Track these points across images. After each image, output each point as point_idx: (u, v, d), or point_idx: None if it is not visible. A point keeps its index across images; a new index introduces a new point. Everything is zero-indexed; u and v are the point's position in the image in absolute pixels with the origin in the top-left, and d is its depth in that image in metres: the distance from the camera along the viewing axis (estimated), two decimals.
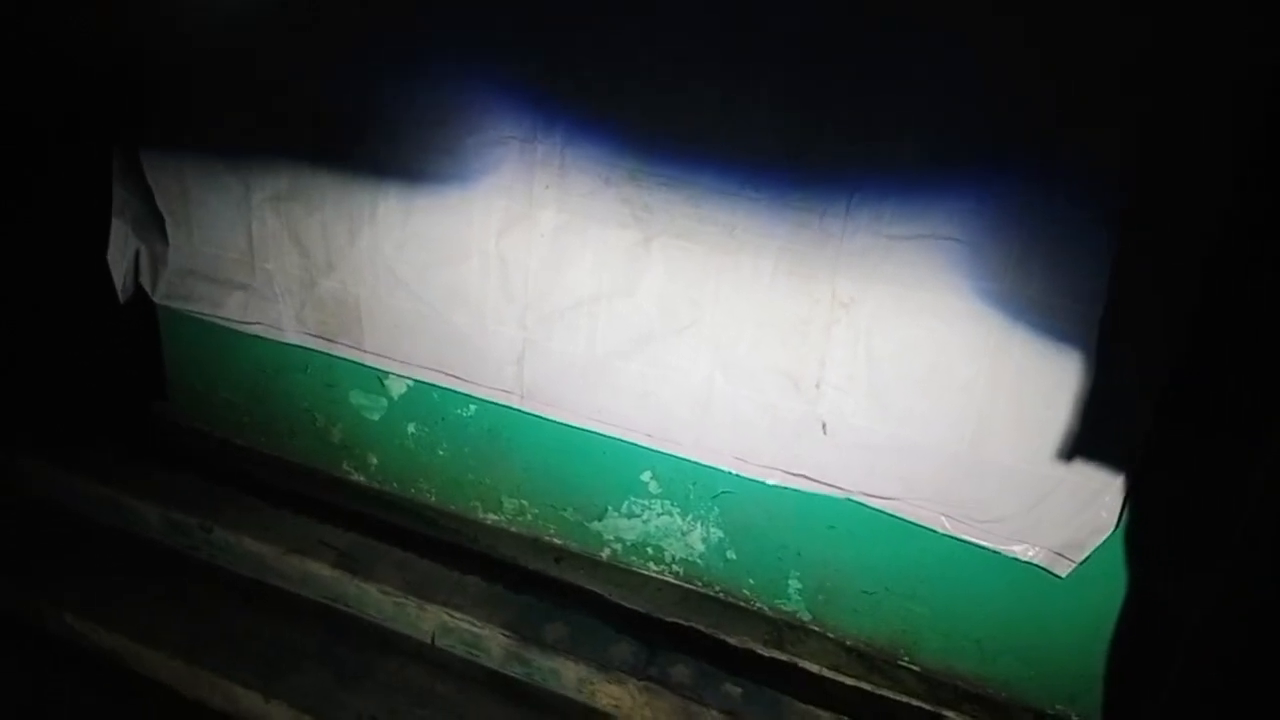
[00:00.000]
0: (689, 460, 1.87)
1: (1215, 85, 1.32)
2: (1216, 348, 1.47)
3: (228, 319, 2.08)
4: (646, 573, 2.05)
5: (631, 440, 1.89)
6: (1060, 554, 1.67)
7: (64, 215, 2.16)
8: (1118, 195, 1.41)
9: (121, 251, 2.07)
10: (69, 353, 2.28)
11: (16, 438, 2.25)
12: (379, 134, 1.78)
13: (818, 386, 1.68)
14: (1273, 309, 1.42)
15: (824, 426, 1.72)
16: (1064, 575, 1.67)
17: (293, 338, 2.04)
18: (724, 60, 1.55)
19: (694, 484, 1.92)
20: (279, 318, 2.03)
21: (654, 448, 1.88)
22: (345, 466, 2.21)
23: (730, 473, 1.85)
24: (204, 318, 2.11)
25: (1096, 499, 1.60)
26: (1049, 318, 1.51)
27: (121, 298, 2.11)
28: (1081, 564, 1.65)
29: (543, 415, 1.93)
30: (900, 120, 1.49)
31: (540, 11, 1.62)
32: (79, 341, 2.26)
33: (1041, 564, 1.68)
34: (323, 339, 2.02)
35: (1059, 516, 1.63)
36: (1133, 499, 1.58)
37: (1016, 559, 1.69)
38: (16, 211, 2.16)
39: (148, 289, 2.12)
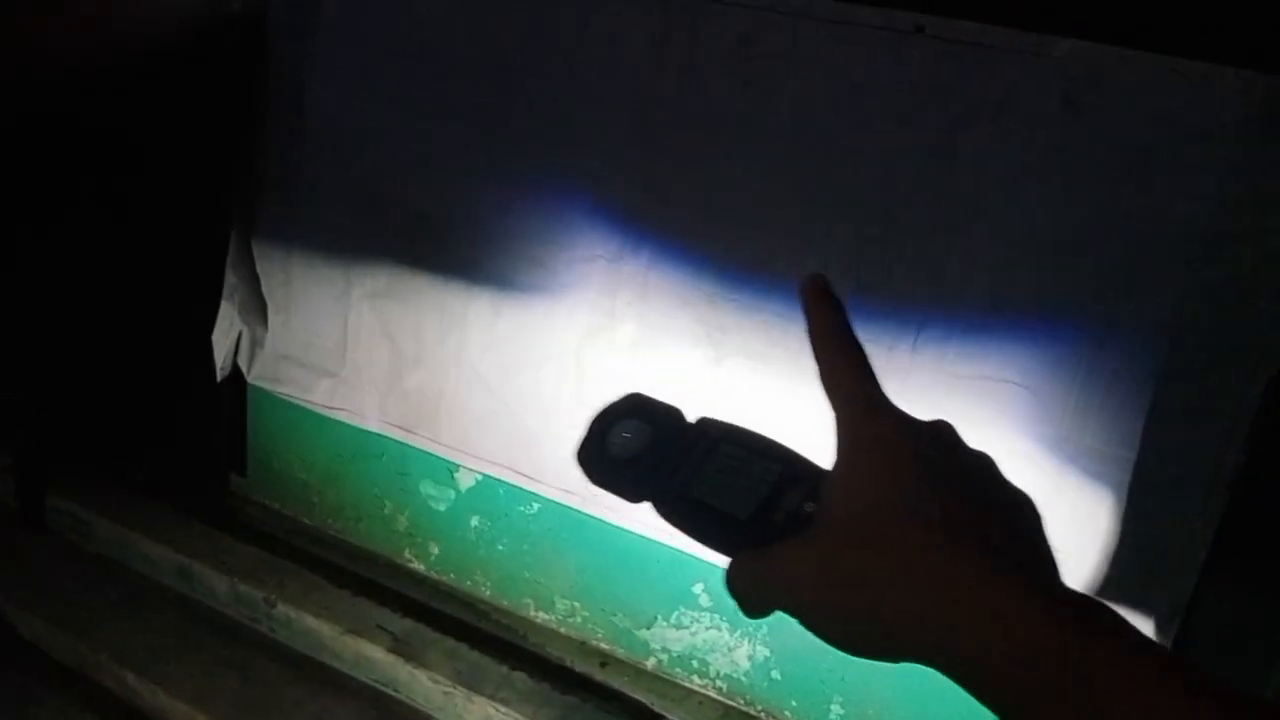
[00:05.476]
0: None
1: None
2: (1266, 507, 1.52)
3: (314, 403, 2.20)
4: (690, 685, 2.07)
5: (686, 551, 1.94)
6: None
7: (171, 296, 2.31)
8: (1163, 354, 1.49)
9: (225, 333, 2.21)
10: (159, 422, 2.40)
11: (94, 495, 2.37)
12: (478, 242, 1.92)
13: None
14: None
15: None
16: None
17: (374, 426, 2.15)
18: (804, 204, 1.67)
19: None
20: (363, 406, 2.14)
21: (708, 560, 1.93)
22: (407, 554, 2.28)
23: None
24: (291, 400, 2.23)
25: None
26: (1101, 464, 1.56)
27: (219, 376, 2.24)
28: None
29: (603, 519, 2.00)
30: (964, 267, 1.59)
31: (639, 148, 1.76)
32: (170, 412, 2.38)
33: None
34: (402, 429, 2.12)
35: None
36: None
37: None
38: (130, 292, 2.32)
39: (244, 369, 2.25)
